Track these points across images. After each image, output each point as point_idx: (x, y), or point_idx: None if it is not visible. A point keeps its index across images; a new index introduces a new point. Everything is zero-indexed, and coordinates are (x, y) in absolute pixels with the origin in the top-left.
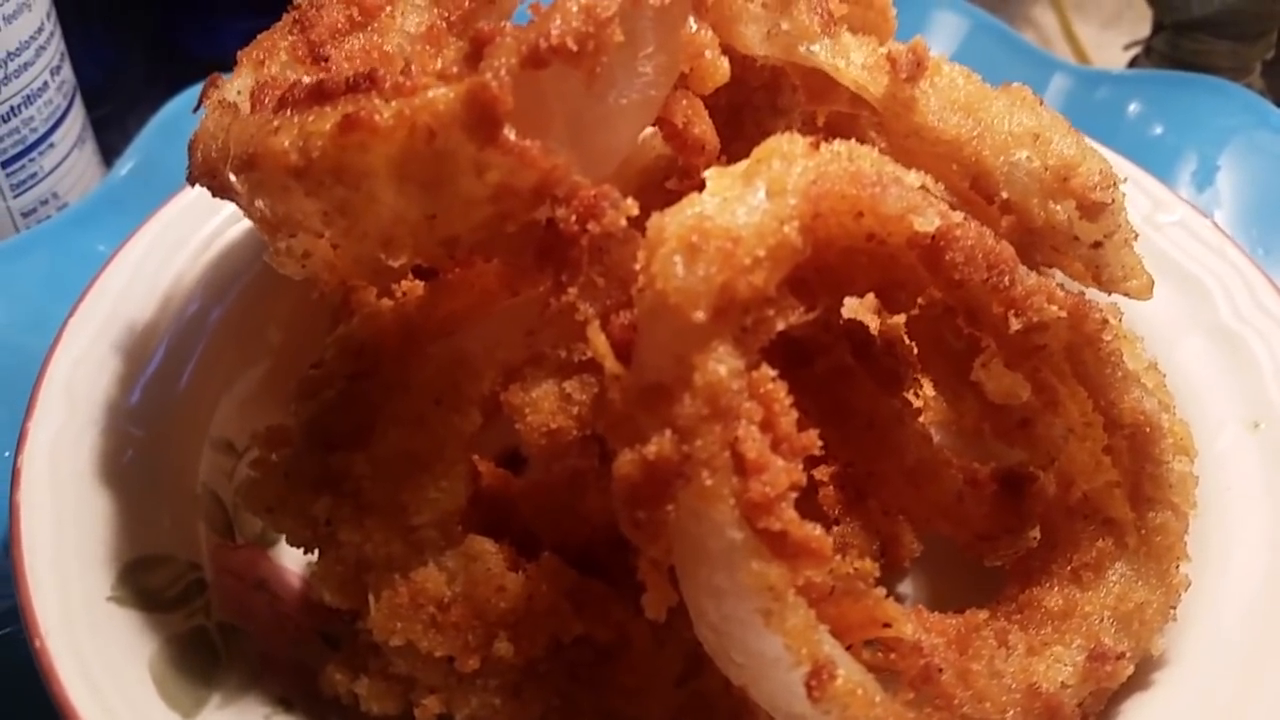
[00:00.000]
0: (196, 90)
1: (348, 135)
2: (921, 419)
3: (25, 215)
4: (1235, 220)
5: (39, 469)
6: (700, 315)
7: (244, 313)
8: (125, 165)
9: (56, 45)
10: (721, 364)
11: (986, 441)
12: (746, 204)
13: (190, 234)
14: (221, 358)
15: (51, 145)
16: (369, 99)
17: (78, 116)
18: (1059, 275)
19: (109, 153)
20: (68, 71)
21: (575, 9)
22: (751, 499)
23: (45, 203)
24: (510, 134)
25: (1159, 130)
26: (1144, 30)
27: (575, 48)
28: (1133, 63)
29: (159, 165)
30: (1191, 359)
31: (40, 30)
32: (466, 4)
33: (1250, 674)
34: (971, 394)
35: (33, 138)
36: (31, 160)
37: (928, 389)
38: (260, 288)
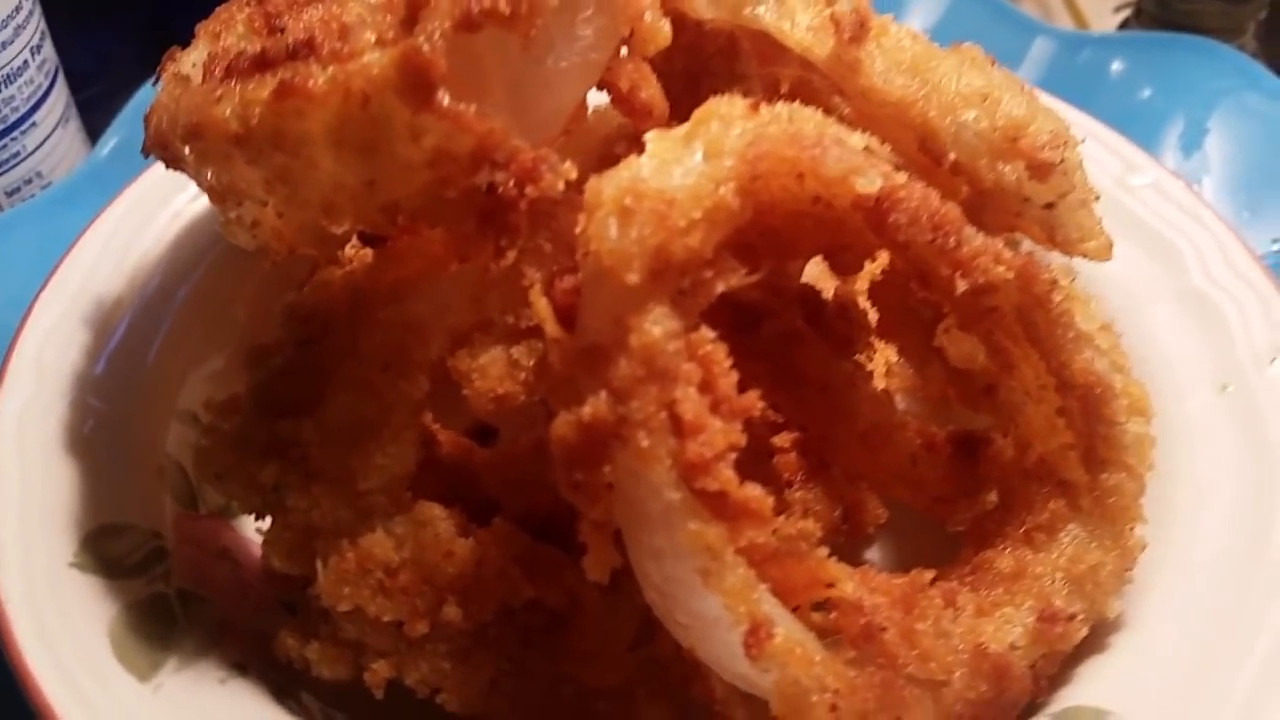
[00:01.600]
0: None
1: (284, 101)
2: (888, 386)
3: (9, 194)
4: (1224, 183)
5: (6, 439)
6: (634, 277)
7: (211, 287)
8: (107, 144)
9: (36, 24)
10: (657, 325)
11: (953, 408)
12: (683, 166)
13: (159, 209)
14: (189, 331)
15: (34, 124)
16: (306, 66)
17: (60, 96)
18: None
19: (98, 134)
20: (49, 50)
21: None
22: (688, 459)
23: (29, 182)
24: (444, 98)
25: (1147, 93)
26: None
27: (508, 10)
28: (1123, 25)
29: (140, 143)
30: (1163, 322)
31: (18, 9)
32: None
33: (1211, 638)
34: (937, 360)
35: (14, 117)
36: (14, 139)
37: (892, 355)
38: (228, 261)
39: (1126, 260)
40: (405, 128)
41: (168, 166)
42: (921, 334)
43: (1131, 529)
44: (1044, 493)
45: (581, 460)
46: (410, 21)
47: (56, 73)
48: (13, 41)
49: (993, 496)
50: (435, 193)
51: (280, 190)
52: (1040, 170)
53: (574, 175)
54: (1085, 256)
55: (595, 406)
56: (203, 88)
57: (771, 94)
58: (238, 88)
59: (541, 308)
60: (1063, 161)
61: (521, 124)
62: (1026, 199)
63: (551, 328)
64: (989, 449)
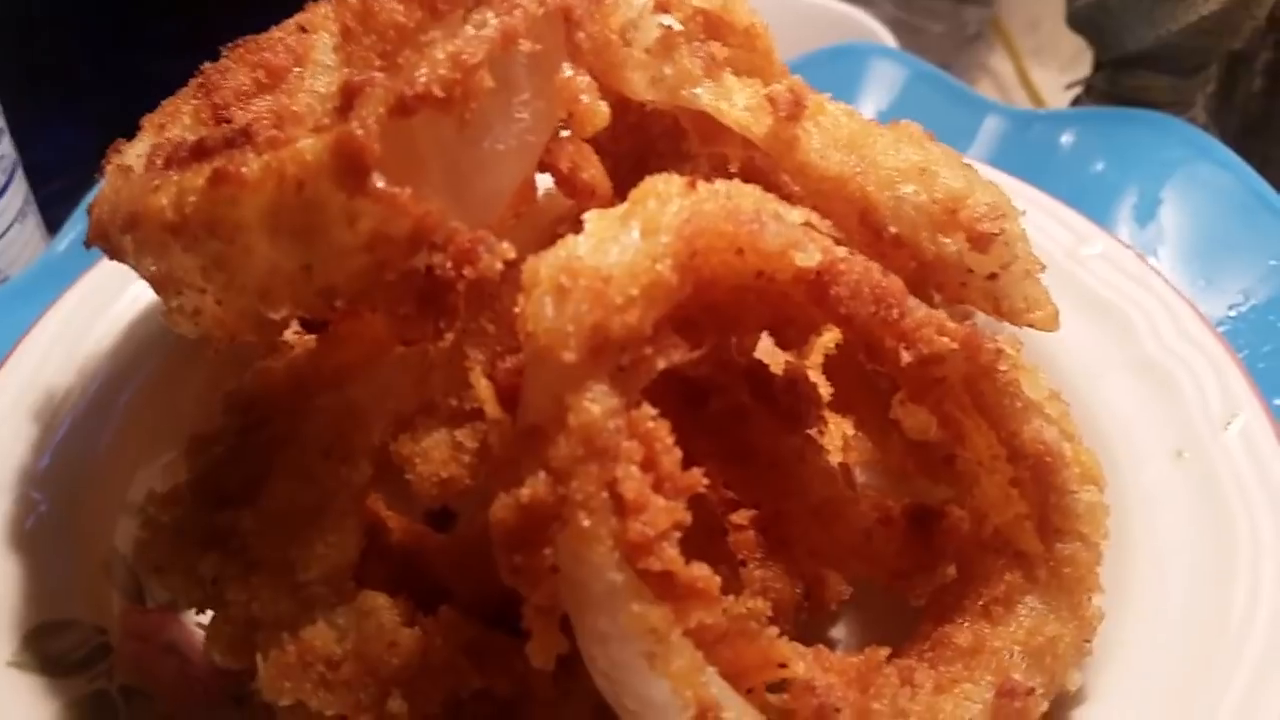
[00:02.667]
0: None
1: (218, 189)
2: (847, 459)
3: None
4: (1179, 253)
5: None
6: (571, 355)
7: (162, 379)
8: (64, 239)
9: None
10: (596, 403)
11: (914, 480)
12: (620, 243)
13: (111, 301)
14: (139, 423)
15: None
16: (240, 153)
17: (19, 190)
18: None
19: (59, 228)
20: (7, 145)
21: (441, 56)
22: (631, 539)
23: None
24: (379, 182)
25: (1100, 166)
26: None
27: (442, 94)
28: (1075, 101)
29: None
30: (1117, 390)
31: None
32: (377, 63)
33: (1173, 712)
34: (895, 432)
35: None
36: None
37: (850, 429)
38: (178, 352)
39: (1079, 330)
40: (340, 212)
41: (110, 258)
42: (878, 406)
43: (1089, 599)
44: (1000, 565)
45: (521, 543)
46: (345, 108)
47: (15, 168)
48: None
49: (952, 570)
50: (373, 276)
51: (217, 277)
52: (980, 241)
53: (512, 255)
54: (1033, 326)
55: (534, 487)
56: (142, 177)
57: (719, 173)
58: (175, 177)
59: (483, 389)
60: (1002, 232)
61: (460, 206)
62: (969, 270)
63: (492, 409)
64: (944, 521)
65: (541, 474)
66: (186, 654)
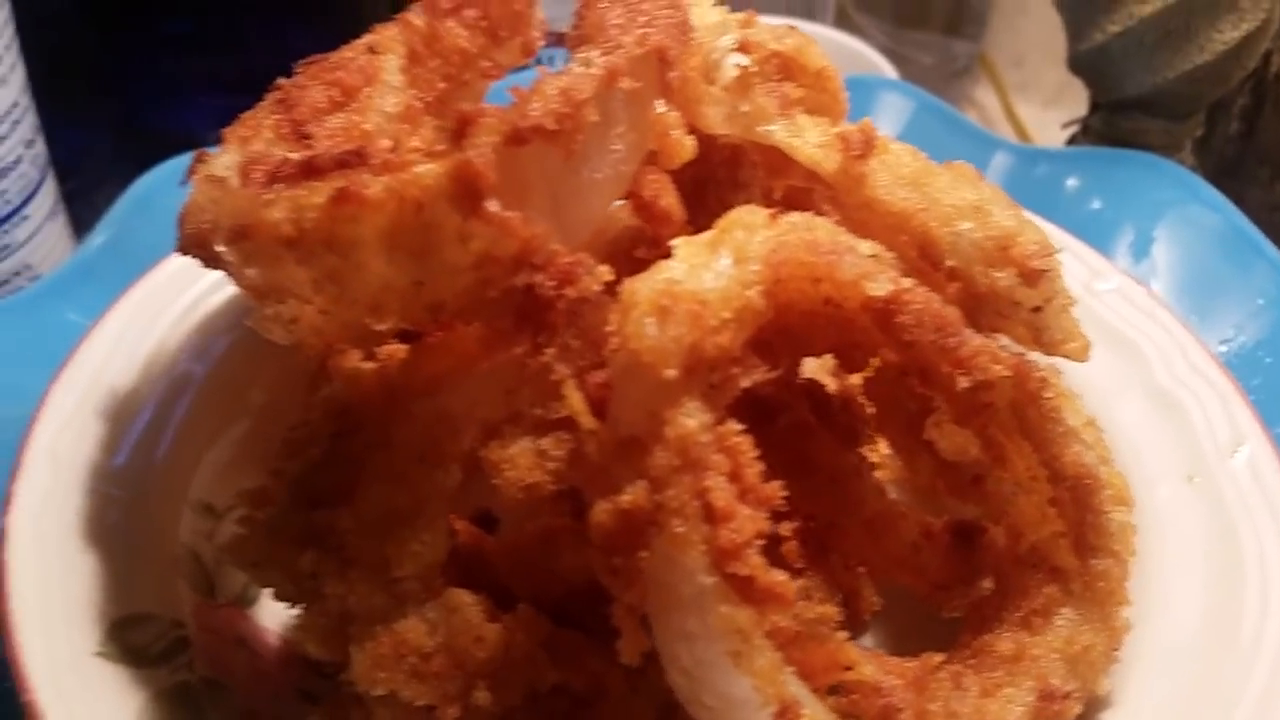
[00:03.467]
0: (170, 165)
1: (340, 207)
2: (879, 476)
3: None
4: (1170, 289)
5: (26, 530)
6: (671, 373)
7: (224, 377)
8: (99, 237)
9: (31, 119)
10: (691, 418)
11: (940, 498)
12: (713, 270)
13: (171, 302)
14: (202, 421)
15: (25, 217)
16: (359, 174)
17: (50, 189)
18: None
19: (78, 226)
20: (41, 145)
21: (554, 91)
22: (720, 545)
23: (18, 274)
24: (493, 206)
25: (1097, 205)
26: (1082, 109)
27: (554, 127)
28: (1071, 140)
29: (132, 237)
30: (1131, 418)
31: (15, 105)
32: (440, 86)
33: (1188, 710)
34: (925, 452)
35: (7, 210)
36: (5, 232)
37: (884, 448)
38: (238, 354)
39: (1096, 360)
40: (455, 233)
41: (204, 265)
42: (910, 427)
43: (1119, 611)
44: (1038, 579)
45: (620, 546)
46: (459, 135)
47: (48, 166)
48: (9, 136)
49: (988, 583)
50: (477, 292)
51: (328, 290)
52: (1030, 276)
53: (609, 277)
54: (1066, 357)
55: (634, 494)
56: (247, 191)
57: (767, 199)
58: (288, 193)
59: (576, 402)
60: (1050, 269)
61: (558, 229)
62: (1017, 302)
63: (587, 420)
64: (984, 537)
65: (640, 482)
66: (255, 648)
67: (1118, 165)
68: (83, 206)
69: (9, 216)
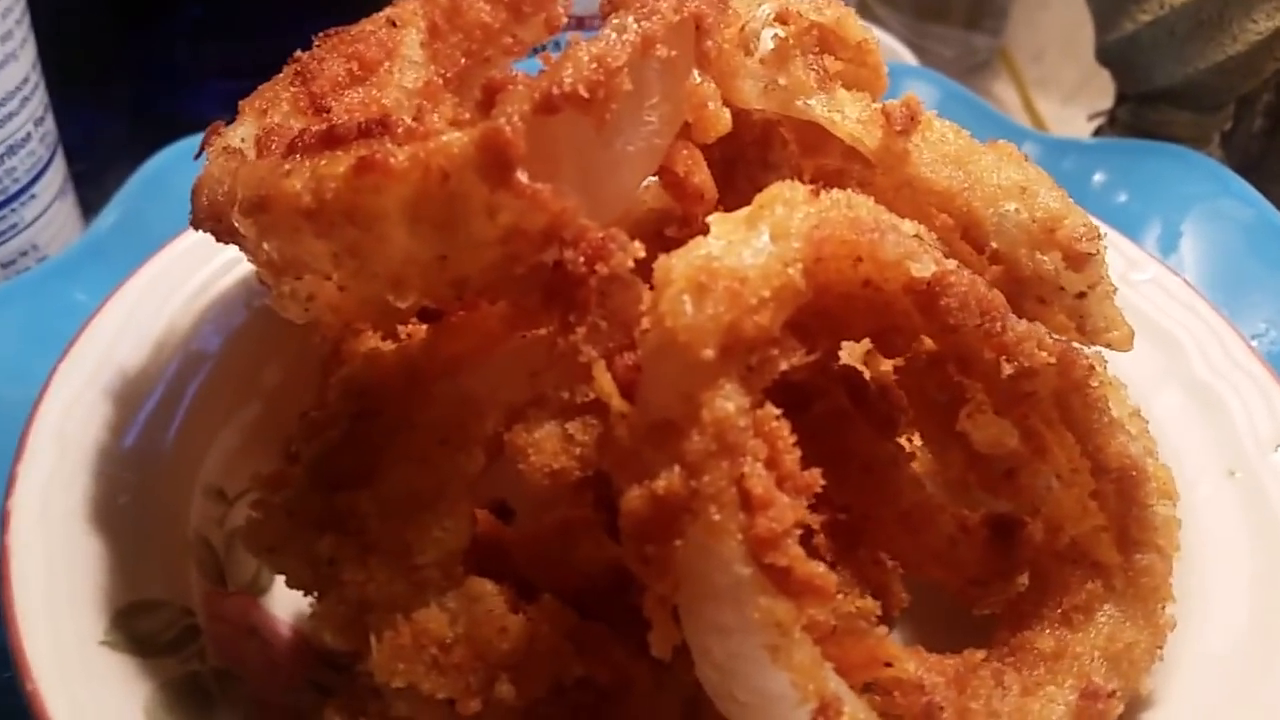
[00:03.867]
0: (181, 146)
1: (362, 177)
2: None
3: (5, 266)
4: (1199, 284)
5: (30, 512)
6: (709, 353)
7: (236, 360)
8: (109, 217)
9: (40, 97)
10: (729, 401)
11: (972, 493)
12: (752, 246)
13: (181, 282)
14: (213, 404)
15: (33, 196)
16: (382, 143)
17: (59, 169)
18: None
19: (87, 208)
20: (50, 123)
21: (587, 58)
22: (758, 534)
23: (25, 254)
24: (522, 177)
25: (1124, 197)
26: (1102, 103)
27: (586, 95)
28: (1097, 132)
29: (142, 218)
30: (1169, 411)
31: (25, 81)
32: (462, 62)
33: (1233, 714)
34: (957, 445)
35: (15, 188)
36: (13, 211)
37: (915, 440)
38: (250, 336)
39: (1135, 352)
40: (482, 204)
41: (218, 239)
42: (942, 420)
43: (1163, 607)
44: (1079, 574)
45: (654, 534)
46: (487, 104)
47: (56, 145)
48: (18, 113)
49: (1023, 578)
50: (504, 268)
51: (349, 264)
52: (1076, 260)
53: (642, 254)
54: (1109, 346)
55: (669, 480)
56: (265, 162)
57: (799, 179)
58: (308, 163)
59: (606, 383)
60: (1096, 253)
61: (589, 203)
62: (1061, 287)
63: (617, 403)
64: (1022, 531)
65: (675, 467)
66: (267, 638)
67: (1147, 157)
68: (92, 189)
69: (17, 195)
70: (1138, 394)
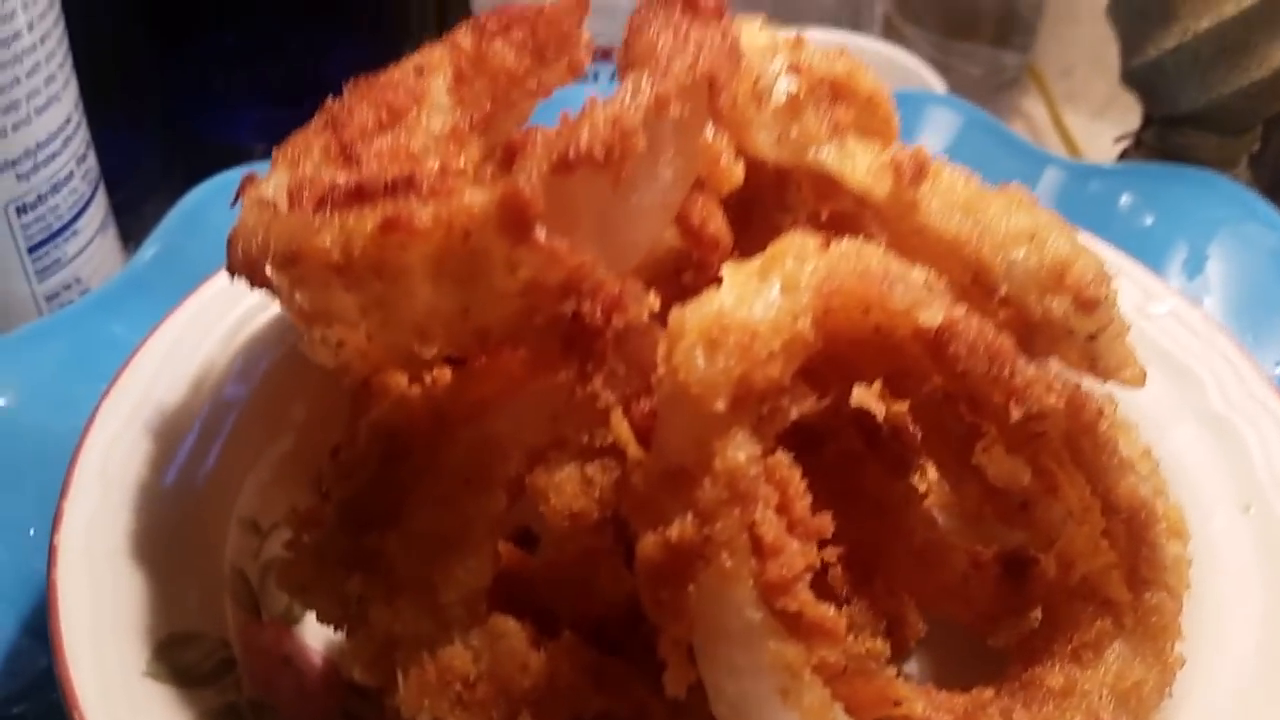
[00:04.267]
0: (218, 180)
1: (388, 235)
2: (926, 502)
3: (49, 299)
4: (1224, 308)
5: (75, 547)
6: (720, 405)
7: (267, 395)
8: (148, 251)
9: (83, 135)
10: (740, 450)
11: (988, 524)
12: (763, 300)
13: (219, 320)
14: (247, 439)
15: (75, 231)
16: (407, 201)
17: (101, 203)
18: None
19: (125, 238)
20: (92, 160)
21: (602, 120)
22: (769, 580)
23: (68, 287)
24: (541, 234)
25: (1149, 221)
26: (1132, 119)
27: (602, 155)
28: (1123, 155)
29: (181, 252)
30: (1184, 445)
31: (68, 121)
32: (488, 107)
33: None
34: (973, 478)
35: (58, 224)
36: (56, 246)
37: (931, 473)
38: (282, 371)
39: (1150, 386)
40: (503, 260)
41: (252, 287)
42: (958, 452)
43: (1171, 646)
44: (1089, 611)
45: (668, 579)
46: (508, 162)
47: (98, 181)
48: (61, 153)
49: (1037, 614)
50: (524, 319)
51: (375, 315)
52: (1086, 305)
53: (657, 306)
54: (1122, 384)
55: (682, 527)
56: (297, 216)
57: (814, 222)
58: (337, 219)
59: (623, 430)
60: (1106, 297)
61: (605, 256)
62: (1071, 331)
63: (634, 450)
64: (1035, 568)
65: (688, 514)
66: (301, 668)
67: (1172, 181)
68: (130, 218)
69: (60, 231)
70: (1152, 428)
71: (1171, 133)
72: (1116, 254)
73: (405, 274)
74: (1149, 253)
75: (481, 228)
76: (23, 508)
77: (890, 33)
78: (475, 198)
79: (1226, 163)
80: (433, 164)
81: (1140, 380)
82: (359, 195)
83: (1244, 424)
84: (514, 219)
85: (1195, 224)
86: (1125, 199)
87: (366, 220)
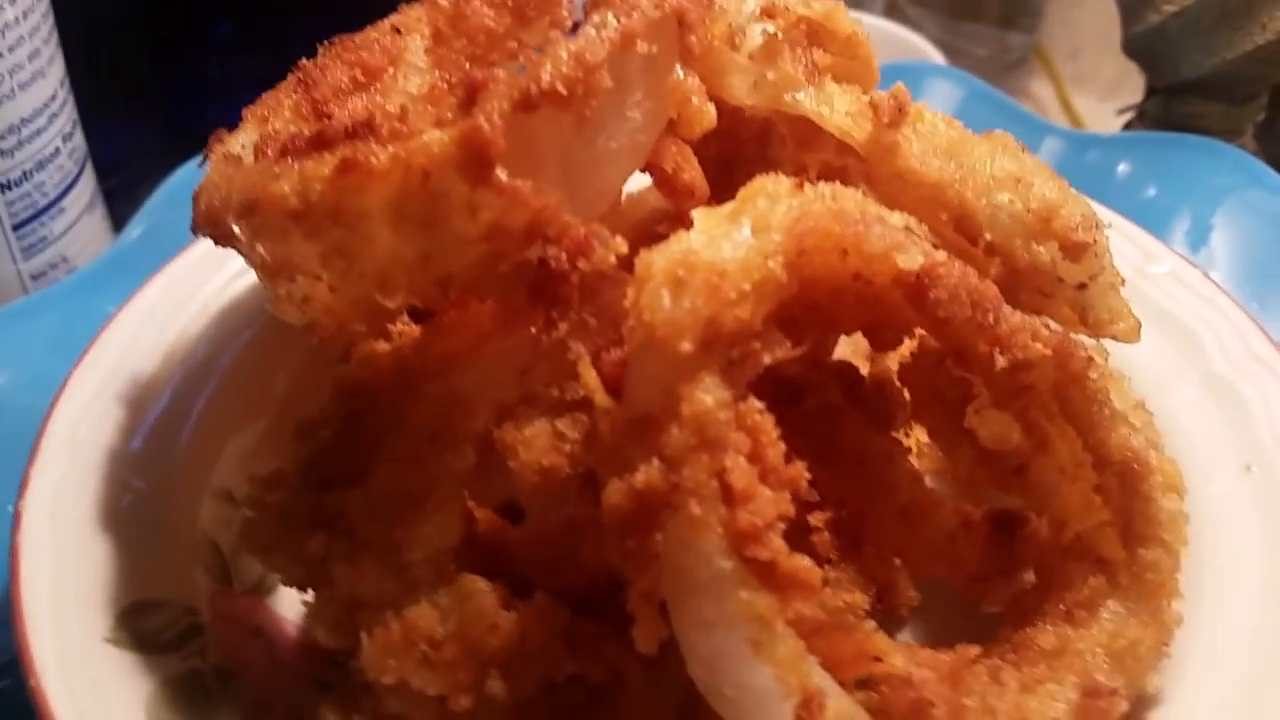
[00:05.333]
0: None
1: (345, 178)
2: (918, 467)
3: (35, 278)
4: (1230, 278)
5: (40, 515)
6: (687, 346)
7: (248, 366)
8: (135, 230)
9: (69, 113)
10: (708, 394)
11: (982, 489)
12: (732, 240)
13: (196, 289)
14: (225, 410)
15: (62, 210)
16: (366, 144)
17: (88, 182)
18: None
19: (120, 223)
20: (79, 138)
21: (565, 55)
22: (739, 528)
23: (55, 266)
24: (502, 174)
25: (1152, 192)
26: (1137, 100)
27: (565, 92)
28: (1127, 127)
29: (168, 230)
30: (1185, 406)
31: (53, 98)
32: (466, 66)
33: (1245, 712)
34: (966, 442)
35: (44, 202)
36: (42, 224)
37: (922, 436)
38: (264, 343)
39: (1149, 346)
40: (463, 203)
41: (217, 243)
42: (950, 416)
43: (1169, 604)
44: (1082, 570)
45: (634, 527)
46: (469, 102)
47: (85, 159)
48: (46, 129)
49: (1029, 575)
50: (488, 266)
51: (336, 264)
52: (1074, 250)
53: (624, 250)
54: (1115, 338)
55: (648, 474)
56: (258, 166)
57: (801, 178)
58: (296, 165)
59: (590, 379)
60: (1095, 242)
61: (572, 201)
62: (1060, 279)
63: (601, 398)
64: (1025, 527)
65: (655, 461)
66: (272, 637)
67: (1174, 150)
68: (125, 204)
69: (46, 209)
70: (1152, 388)
71: (1175, 102)
72: (1113, 215)
73: (364, 219)
74: (1152, 223)
75: (440, 168)
76: (7, 484)
77: (894, 14)
78: (434, 138)
79: (1231, 133)
80: (395, 111)
81: (1135, 334)
82: (319, 142)
83: (1245, 384)
84: (474, 159)
85: (1199, 193)
86: (1124, 168)
87: (324, 165)
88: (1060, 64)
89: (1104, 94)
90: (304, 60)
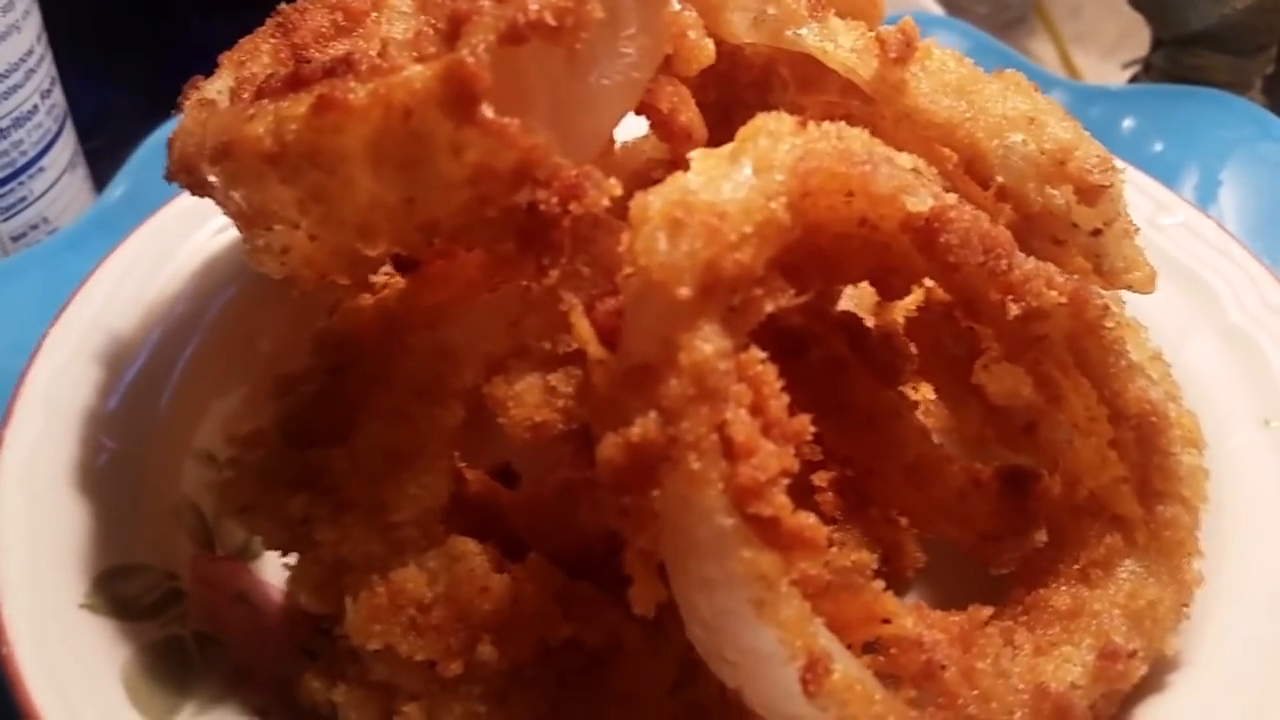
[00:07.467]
0: None
1: (322, 116)
2: (924, 423)
3: (15, 239)
4: (1241, 232)
5: (13, 477)
6: (685, 291)
7: (230, 326)
8: (117, 189)
9: (47, 69)
10: (708, 343)
11: (991, 447)
12: (732, 180)
13: (176, 246)
14: (206, 371)
15: (42, 169)
16: (344, 81)
17: (69, 141)
18: None
19: (103, 185)
20: (58, 95)
21: None
22: (741, 483)
23: (35, 227)
24: (488, 112)
25: (1159, 146)
26: (1141, 55)
27: (554, 23)
28: (1133, 80)
29: (151, 189)
30: (1201, 359)
31: (30, 53)
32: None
33: (1270, 676)
34: (974, 399)
35: (22, 160)
36: (21, 184)
37: (929, 394)
38: (249, 299)
39: (1163, 298)
40: (447, 142)
41: (192, 192)
42: (957, 372)
43: (1189, 562)
44: (1097, 528)
45: (630, 483)
46: (453, 36)
47: (65, 118)
48: (24, 85)
49: (1041, 535)
50: (475, 211)
51: (315, 210)
52: (1089, 194)
53: (618, 191)
54: (1130, 288)
55: (644, 427)
56: (233, 109)
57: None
58: (271, 106)
59: (583, 329)
60: (1111, 185)
61: (563, 142)
62: (1074, 224)
63: (594, 349)
64: (1038, 484)
65: (652, 413)
66: (256, 603)
67: (1181, 103)
68: (108, 165)
69: (25, 168)
70: (1167, 341)
71: (1182, 55)
72: (1124, 164)
73: (343, 161)
74: (1161, 176)
75: (423, 105)
76: None
77: None
78: (416, 72)
79: (1239, 86)
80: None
81: (1150, 283)
82: (296, 82)
83: (1264, 336)
84: (458, 94)
85: (1207, 145)
86: (1130, 122)
87: (300, 104)
88: (1061, 22)
89: (1105, 53)
90: (283, 4)
